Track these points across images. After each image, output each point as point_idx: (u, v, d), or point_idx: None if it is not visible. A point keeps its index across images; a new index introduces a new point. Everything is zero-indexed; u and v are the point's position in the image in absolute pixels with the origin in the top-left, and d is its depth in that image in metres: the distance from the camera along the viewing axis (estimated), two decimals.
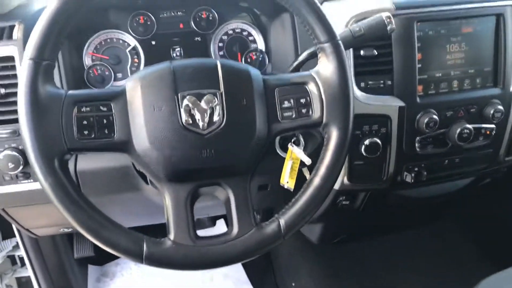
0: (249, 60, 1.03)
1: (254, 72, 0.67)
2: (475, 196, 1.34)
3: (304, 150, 0.91)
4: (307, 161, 0.81)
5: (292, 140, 0.87)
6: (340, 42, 0.67)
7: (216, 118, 0.62)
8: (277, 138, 0.94)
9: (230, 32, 1.03)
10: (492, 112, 0.96)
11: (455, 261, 1.43)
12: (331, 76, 0.66)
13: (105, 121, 0.60)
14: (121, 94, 0.61)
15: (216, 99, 0.62)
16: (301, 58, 0.82)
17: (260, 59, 1.03)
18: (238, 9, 1.02)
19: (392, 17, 0.78)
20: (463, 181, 1.13)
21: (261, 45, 1.04)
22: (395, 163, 0.98)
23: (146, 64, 0.99)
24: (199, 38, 1.02)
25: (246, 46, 1.04)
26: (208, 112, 0.61)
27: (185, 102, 0.61)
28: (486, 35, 0.96)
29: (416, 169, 0.99)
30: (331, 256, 1.48)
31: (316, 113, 0.67)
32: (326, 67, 0.67)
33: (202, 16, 1.01)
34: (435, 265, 1.44)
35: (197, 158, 0.61)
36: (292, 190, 0.82)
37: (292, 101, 0.67)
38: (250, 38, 1.05)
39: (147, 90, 0.61)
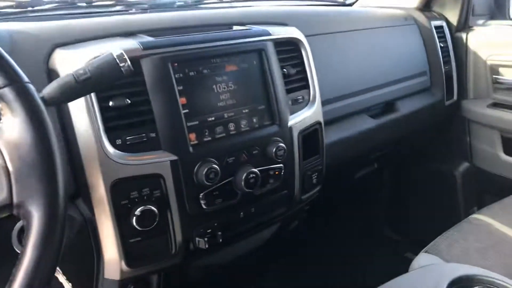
0: None
1: None
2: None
3: None
4: None
5: None
6: (29, 85, 0.47)
7: None
8: (15, 229, 0.69)
9: None
10: (274, 150, 0.88)
11: None
12: (19, 134, 0.45)
13: None
14: None
15: None
16: None
17: None
18: None
19: (125, 55, 0.62)
20: (269, 230, 1.03)
21: None
22: (182, 230, 0.80)
23: None
24: None
25: None
26: None
27: None
28: (252, 72, 0.90)
29: (208, 230, 0.84)
30: None
31: (1, 192, 0.44)
32: (10, 122, 0.46)
33: None
34: None
35: None
36: None
37: None
38: None
39: None
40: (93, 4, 1.16)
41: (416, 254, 1.00)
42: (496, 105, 1.49)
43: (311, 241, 1.43)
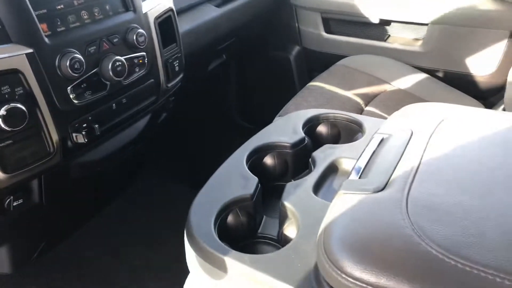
0: None
1: None
2: None
3: None
4: None
5: None
6: None
7: None
8: None
9: None
10: (135, 37, 0.88)
11: None
12: None
13: None
14: None
15: None
16: None
17: None
18: None
19: None
20: (142, 122, 1.06)
21: None
22: (56, 127, 0.77)
23: None
24: None
25: None
26: None
27: None
28: None
29: (84, 125, 0.83)
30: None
31: None
32: None
33: None
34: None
35: None
36: None
37: None
38: None
39: None
40: None
41: None
42: None
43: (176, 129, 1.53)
